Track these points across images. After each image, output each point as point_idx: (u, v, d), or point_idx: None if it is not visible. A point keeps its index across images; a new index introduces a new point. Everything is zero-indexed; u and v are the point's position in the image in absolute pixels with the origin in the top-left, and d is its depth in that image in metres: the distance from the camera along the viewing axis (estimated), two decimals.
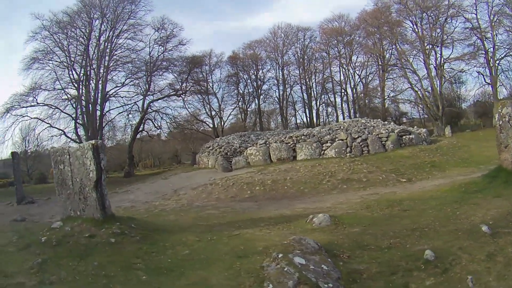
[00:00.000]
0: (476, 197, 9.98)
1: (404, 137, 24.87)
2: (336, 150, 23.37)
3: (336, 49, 48.44)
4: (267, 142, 26.01)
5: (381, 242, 7.57)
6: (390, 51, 44.71)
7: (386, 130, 25.05)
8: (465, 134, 34.92)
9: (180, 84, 41.26)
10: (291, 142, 25.02)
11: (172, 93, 40.15)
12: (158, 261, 7.62)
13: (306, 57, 49.48)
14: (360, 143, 23.51)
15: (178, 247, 8.54)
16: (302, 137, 25.05)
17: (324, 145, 24.17)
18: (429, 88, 40.54)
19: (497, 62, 37.66)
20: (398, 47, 42.06)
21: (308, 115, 49.98)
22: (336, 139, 24.12)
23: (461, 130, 37.29)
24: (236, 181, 20.06)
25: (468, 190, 11.09)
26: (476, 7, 37.94)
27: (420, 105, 42.29)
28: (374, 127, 26.59)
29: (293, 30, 49.00)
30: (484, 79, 39.11)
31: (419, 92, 41.40)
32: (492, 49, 37.64)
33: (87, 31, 35.51)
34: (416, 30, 40.86)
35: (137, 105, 38.98)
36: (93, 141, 10.16)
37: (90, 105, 35.19)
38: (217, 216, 13.20)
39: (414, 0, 39.96)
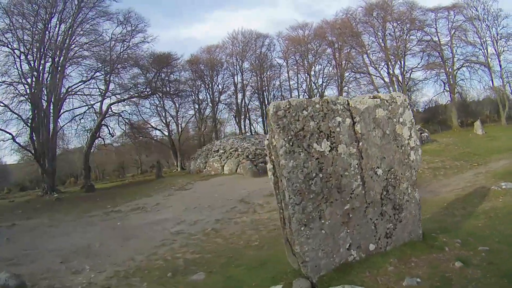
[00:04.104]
0: None
1: (422, 134, 23.37)
2: None
3: (294, 57, 44.01)
4: None
5: None
6: (347, 60, 41.32)
7: None
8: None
9: (148, 84, 32.42)
10: None
11: (136, 95, 31.21)
12: None
13: (265, 64, 43.99)
14: None
15: None
16: None
17: None
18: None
19: (455, 72, 37.88)
20: (366, 56, 39.93)
21: (264, 123, 44.04)
22: None
23: None
24: None
25: None
26: (436, 22, 38.08)
27: None
28: None
29: (253, 36, 43.32)
30: (445, 87, 38.97)
31: None
32: (451, 60, 37.87)
33: (48, 15, 25.66)
34: (380, 41, 39.25)
35: (94, 108, 29.70)
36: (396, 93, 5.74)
37: (44, 104, 25.52)
38: None
39: (378, 14, 38.23)
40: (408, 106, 5.44)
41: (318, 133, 4.71)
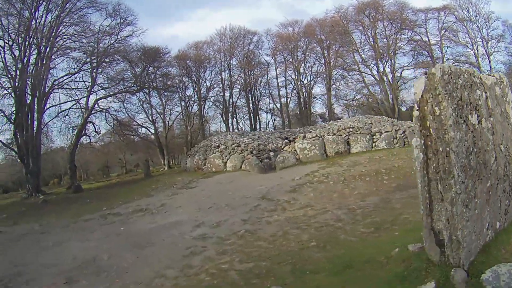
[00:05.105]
0: None
1: None
2: (386, 141, 19.74)
3: (282, 54, 42.65)
4: (318, 136, 19.53)
5: None
6: (336, 58, 40.32)
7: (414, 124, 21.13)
8: None
9: (136, 79, 30.16)
10: (345, 135, 19.66)
11: (123, 89, 28.90)
12: None
13: (252, 62, 42.26)
14: (402, 135, 19.94)
15: None
16: (351, 130, 19.94)
17: (373, 137, 19.91)
18: (381, 93, 38.37)
19: None
20: (356, 54, 39.21)
21: (253, 120, 42.59)
22: (383, 131, 20.02)
23: None
24: (345, 174, 14.29)
25: None
26: (426, 22, 37.90)
27: (373, 109, 38.72)
28: (386, 122, 22.52)
29: (241, 33, 41.60)
30: None
31: (376, 96, 38.87)
32: (440, 59, 37.42)
33: (35, 2, 23.14)
34: (370, 40, 38.66)
35: (79, 103, 27.28)
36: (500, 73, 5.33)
37: (28, 98, 23.21)
38: None
39: (369, 13, 37.64)
40: (509, 87, 5.25)
41: (469, 104, 4.21)
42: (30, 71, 23.24)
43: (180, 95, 38.32)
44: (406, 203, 9.31)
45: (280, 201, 11.68)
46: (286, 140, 21.77)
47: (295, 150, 19.09)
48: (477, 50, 36.31)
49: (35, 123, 23.58)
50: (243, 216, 10.52)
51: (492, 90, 4.76)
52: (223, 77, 41.66)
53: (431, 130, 4.08)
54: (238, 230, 9.04)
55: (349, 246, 6.67)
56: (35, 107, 23.52)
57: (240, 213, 10.93)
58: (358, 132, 19.42)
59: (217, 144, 21.36)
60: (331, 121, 29.26)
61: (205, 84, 40.71)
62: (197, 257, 7.45)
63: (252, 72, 42.27)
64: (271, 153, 19.39)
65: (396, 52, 37.77)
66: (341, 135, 19.17)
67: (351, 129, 19.57)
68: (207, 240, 8.66)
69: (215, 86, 41.69)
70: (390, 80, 37.39)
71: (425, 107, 4.12)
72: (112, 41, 27.63)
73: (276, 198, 12.07)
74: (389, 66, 38.09)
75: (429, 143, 4.12)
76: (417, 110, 4.24)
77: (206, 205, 12.60)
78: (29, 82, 23.09)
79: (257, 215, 10.48)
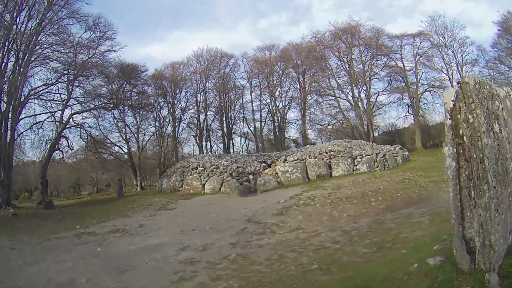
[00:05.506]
0: None
1: (404, 153, 22.82)
2: (367, 165, 19.85)
3: (258, 78, 42.77)
4: (300, 159, 19.36)
5: None
6: (311, 82, 40.84)
7: (393, 148, 22.67)
8: None
9: (112, 95, 29.27)
10: (326, 158, 19.61)
11: (99, 105, 28.03)
12: None
13: (228, 85, 42.10)
14: (382, 158, 20.42)
15: None
16: (332, 153, 19.97)
17: (354, 160, 20.06)
18: (356, 118, 38.63)
19: (420, 96, 37.97)
20: (332, 80, 39.40)
21: (227, 143, 42.14)
22: (364, 155, 20.30)
23: None
24: (331, 197, 14.16)
25: None
26: (401, 48, 38.39)
27: (347, 134, 38.91)
28: (366, 145, 22.99)
29: (218, 55, 41.49)
30: (408, 110, 38.95)
31: (351, 121, 39.12)
32: (415, 85, 38.05)
33: (18, 6, 22.43)
34: (346, 66, 39.02)
35: (54, 116, 26.23)
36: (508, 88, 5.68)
37: (2, 106, 22.19)
38: None
39: (346, 39, 38.18)
40: None
41: (493, 113, 4.33)
42: (7, 77, 22.27)
43: (155, 115, 37.63)
44: (401, 223, 9.19)
45: (268, 224, 11.28)
46: (263, 164, 21.64)
47: (276, 173, 18.79)
48: (452, 75, 36.76)
49: (9, 132, 22.39)
50: (231, 239, 10.01)
51: (504, 102, 4.94)
52: (198, 99, 41.39)
53: (465, 138, 4.16)
54: (228, 254, 8.55)
55: (356, 268, 6.39)
56: (10, 115, 22.38)
57: (227, 236, 10.42)
58: (339, 155, 19.44)
59: (195, 166, 20.66)
60: (308, 145, 29.20)
61: (180, 105, 40.28)
62: (188, 283, 6.91)
63: (227, 95, 42.05)
64: (251, 176, 19.08)
65: (372, 77, 38.21)
66: (322, 158, 19.06)
67: (332, 153, 19.54)
68: (196, 264, 8.11)
69: (190, 107, 41.29)
70: (365, 106, 37.75)
71: (458, 116, 4.20)
72: (90, 55, 27.00)
73: (263, 221, 11.65)
74: (364, 91, 38.55)
75: (461, 151, 4.19)
76: (449, 119, 4.28)
77: (188, 228, 11.97)
78: (5, 89, 22.10)
79: (245, 238, 10.02)
